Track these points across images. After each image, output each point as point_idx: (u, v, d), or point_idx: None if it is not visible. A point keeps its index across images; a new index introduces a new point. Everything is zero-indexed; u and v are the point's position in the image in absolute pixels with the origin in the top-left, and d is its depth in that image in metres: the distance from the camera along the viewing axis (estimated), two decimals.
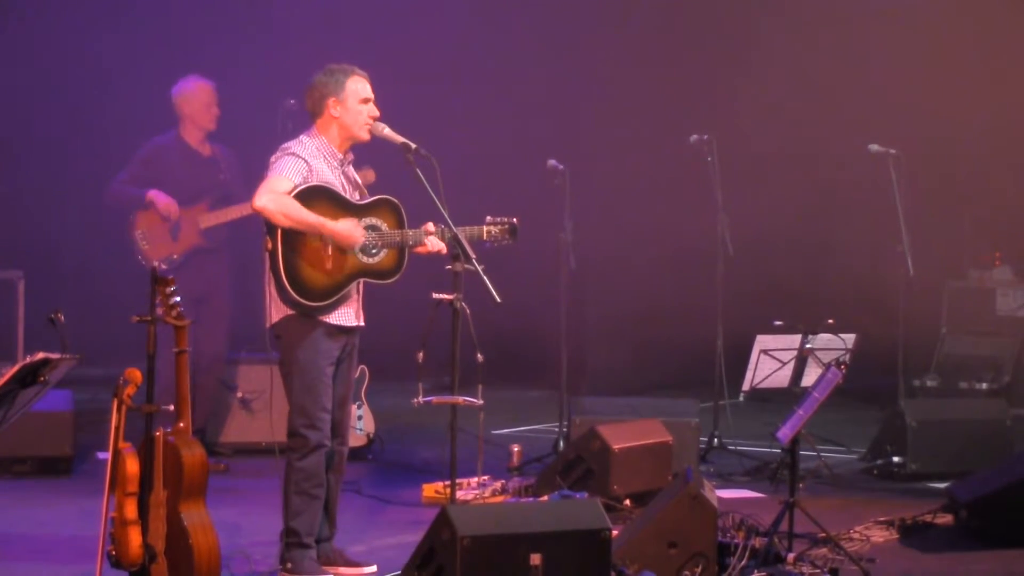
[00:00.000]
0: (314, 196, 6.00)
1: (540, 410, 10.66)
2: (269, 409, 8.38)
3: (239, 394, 8.86)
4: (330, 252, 6.01)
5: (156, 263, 8.24)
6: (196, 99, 8.50)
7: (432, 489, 7.77)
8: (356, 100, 6.11)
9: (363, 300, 6.24)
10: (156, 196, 8.32)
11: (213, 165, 8.52)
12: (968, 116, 11.04)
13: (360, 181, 6.33)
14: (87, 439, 8.56)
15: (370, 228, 6.09)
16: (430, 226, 6.17)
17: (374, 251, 6.10)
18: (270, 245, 5.97)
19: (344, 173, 6.19)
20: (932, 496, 7.93)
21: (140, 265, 8.29)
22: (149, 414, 5.53)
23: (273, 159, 6.10)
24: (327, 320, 6.05)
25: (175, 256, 8.33)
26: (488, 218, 6.36)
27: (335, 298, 6.04)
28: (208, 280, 8.39)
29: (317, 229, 5.97)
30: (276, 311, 6.08)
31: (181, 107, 8.49)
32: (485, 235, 6.33)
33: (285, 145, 6.16)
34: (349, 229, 6.00)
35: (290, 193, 5.95)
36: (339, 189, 6.10)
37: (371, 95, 6.15)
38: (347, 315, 6.12)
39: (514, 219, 6.40)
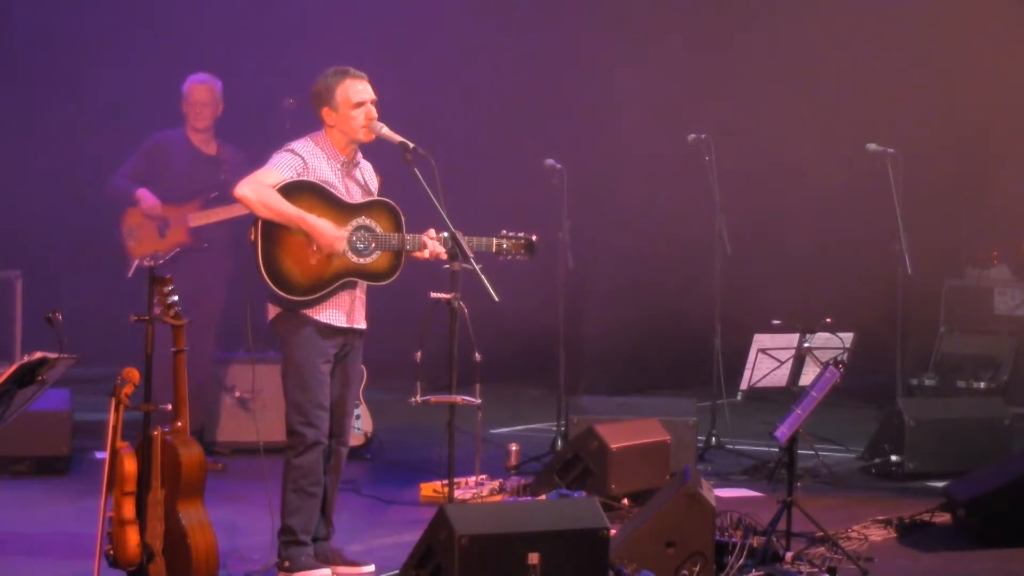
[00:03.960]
0: (300, 191, 5.97)
1: (538, 409, 10.66)
2: (254, 408, 8.42)
3: (236, 394, 8.85)
4: (315, 247, 5.99)
5: (140, 260, 8.25)
6: (189, 96, 8.49)
7: (430, 488, 7.77)
8: (348, 106, 6.07)
9: (364, 303, 6.21)
10: (142, 195, 8.30)
11: (214, 164, 8.47)
12: (966, 115, 11.05)
13: (373, 186, 6.30)
14: (85, 439, 8.55)
15: (362, 229, 6.07)
16: (432, 232, 6.14)
17: (366, 251, 6.07)
18: (252, 236, 5.96)
19: (349, 175, 6.16)
20: (930, 495, 7.93)
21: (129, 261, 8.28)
22: (147, 413, 5.53)
23: (272, 155, 6.10)
24: (315, 317, 6.03)
25: (160, 253, 8.29)
26: (503, 231, 6.32)
27: (319, 294, 6.00)
28: (196, 279, 8.23)
29: (297, 223, 5.93)
30: (271, 308, 6.08)
31: (181, 104, 8.51)
32: (495, 248, 6.29)
33: (289, 143, 6.15)
34: (331, 232, 5.94)
35: (276, 186, 5.94)
36: (339, 190, 6.08)
37: (366, 97, 6.10)
38: (336, 315, 6.08)
39: (533, 236, 6.36)
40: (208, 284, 8.43)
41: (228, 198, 8.27)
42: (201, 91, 8.49)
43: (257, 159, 6.28)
